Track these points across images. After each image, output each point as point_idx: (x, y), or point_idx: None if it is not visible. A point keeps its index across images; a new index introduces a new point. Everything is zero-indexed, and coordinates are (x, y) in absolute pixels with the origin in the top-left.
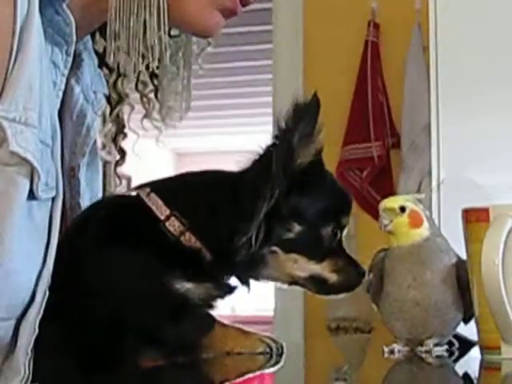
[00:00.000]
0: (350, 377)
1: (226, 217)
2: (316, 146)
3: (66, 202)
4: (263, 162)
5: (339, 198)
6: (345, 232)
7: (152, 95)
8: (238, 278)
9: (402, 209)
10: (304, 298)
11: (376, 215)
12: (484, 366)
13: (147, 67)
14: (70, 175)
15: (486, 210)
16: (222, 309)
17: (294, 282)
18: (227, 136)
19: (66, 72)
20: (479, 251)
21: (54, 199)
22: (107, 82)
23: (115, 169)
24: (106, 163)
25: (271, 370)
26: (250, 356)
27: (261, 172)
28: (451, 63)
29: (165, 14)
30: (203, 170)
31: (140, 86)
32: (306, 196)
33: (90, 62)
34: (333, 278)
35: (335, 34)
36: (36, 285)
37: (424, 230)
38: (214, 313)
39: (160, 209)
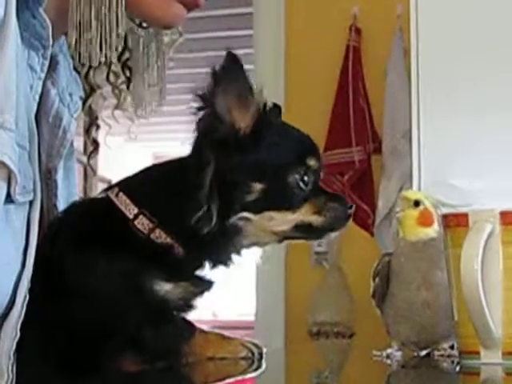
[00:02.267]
0: (331, 381)
1: (185, 204)
2: (255, 103)
3: (43, 205)
4: (194, 141)
5: (300, 143)
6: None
7: (124, 86)
8: (218, 260)
9: (417, 203)
10: (285, 302)
11: (356, 219)
12: (463, 370)
13: (119, 58)
14: (46, 177)
15: (465, 215)
16: (204, 313)
17: (282, 237)
18: None
19: (43, 75)
20: (458, 256)
21: (31, 202)
22: (79, 73)
23: (88, 160)
24: (86, 168)
25: (253, 374)
26: (231, 361)
27: (192, 147)
28: (432, 68)
29: (122, 7)
30: (168, 160)
31: (111, 77)
32: (259, 153)
33: (65, 65)
34: (317, 220)
35: (316, 39)
36: (16, 288)
37: (432, 231)
38: (194, 312)
39: (128, 208)
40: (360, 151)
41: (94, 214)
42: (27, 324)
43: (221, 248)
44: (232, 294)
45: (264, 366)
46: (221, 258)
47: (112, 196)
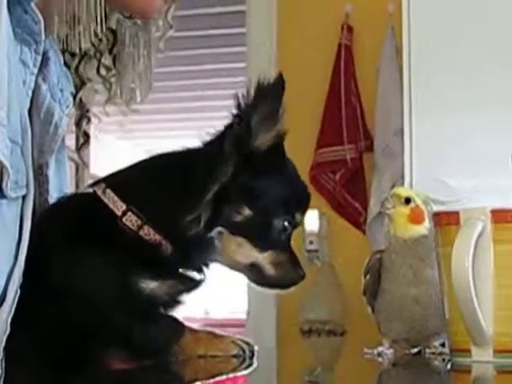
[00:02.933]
0: (323, 379)
1: (179, 201)
2: (277, 129)
3: (34, 200)
4: (218, 140)
5: (298, 193)
6: (294, 230)
7: (114, 79)
8: (194, 265)
9: (407, 200)
10: (277, 300)
11: (348, 217)
12: (454, 368)
13: (110, 51)
14: (38, 173)
15: (456, 213)
16: (196, 311)
17: (236, 268)
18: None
19: (36, 70)
20: (450, 254)
21: (24, 197)
22: (69, 67)
23: (79, 152)
24: (78, 165)
25: (244, 372)
26: (223, 358)
27: (214, 151)
28: (424, 66)
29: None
30: (158, 155)
31: (102, 71)
32: (262, 181)
33: (56, 61)
34: (271, 270)
35: (309, 37)
36: (7, 283)
37: (422, 229)
38: (185, 310)
39: (116, 205)
40: (352, 149)
41: (81, 210)
42: (16, 321)
43: (196, 254)
44: (224, 292)
45: (255, 363)
46: (194, 263)
47: (99, 192)
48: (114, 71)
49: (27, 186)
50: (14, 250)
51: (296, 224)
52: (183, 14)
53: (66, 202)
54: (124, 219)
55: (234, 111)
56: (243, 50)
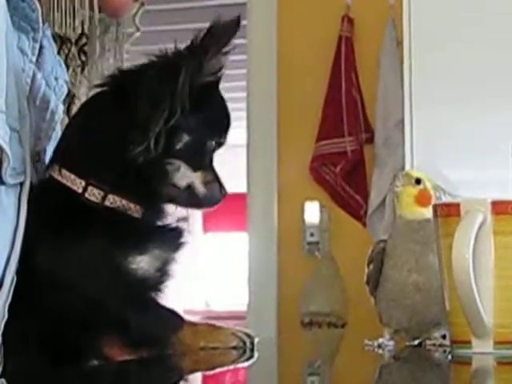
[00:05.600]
0: (323, 371)
1: (130, 134)
2: (219, 65)
3: (32, 187)
4: (167, 69)
5: (225, 117)
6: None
7: (78, 70)
8: (165, 214)
9: (418, 181)
10: (278, 292)
11: (349, 209)
12: (455, 360)
13: (76, 42)
14: (35, 160)
15: (457, 205)
16: (196, 304)
17: (172, 197)
18: None
19: (34, 58)
20: (450, 245)
21: (21, 184)
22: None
23: None
24: None
25: (245, 364)
26: (223, 350)
27: (163, 80)
28: (425, 58)
29: None
30: (89, 104)
31: (68, 61)
32: (199, 110)
33: (49, 49)
34: (202, 189)
35: (309, 29)
36: (4, 270)
37: (427, 213)
38: (186, 302)
39: (75, 183)
40: (353, 141)
41: (44, 199)
42: (10, 310)
43: (155, 186)
44: (225, 285)
45: (256, 355)
46: (159, 196)
47: (55, 175)
48: (78, 62)
49: (25, 172)
50: (12, 236)
51: (220, 145)
52: (184, 6)
53: (31, 192)
54: (86, 195)
55: (189, 46)
56: (244, 42)
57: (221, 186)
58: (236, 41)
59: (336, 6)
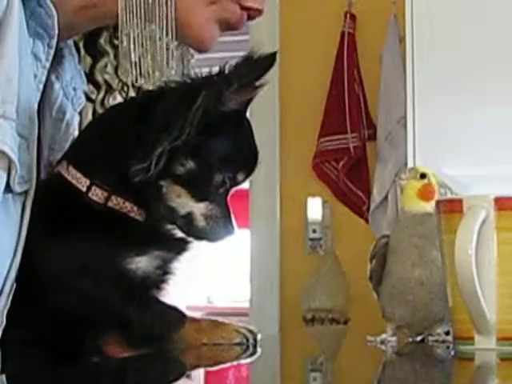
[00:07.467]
0: (326, 368)
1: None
2: (249, 97)
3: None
4: (187, 94)
5: (245, 153)
6: (233, 188)
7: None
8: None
9: (423, 176)
10: (280, 288)
11: (351, 206)
12: (457, 356)
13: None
14: (49, 170)
15: (459, 201)
16: (198, 300)
17: (172, 220)
18: None
19: (48, 64)
20: (452, 242)
21: (26, 192)
22: (91, 100)
23: None
24: None
25: (247, 360)
26: (226, 347)
27: (179, 104)
28: (427, 54)
29: (173, 25)
30: (115, 107)
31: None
32: (214, 138)
33: (70, 59)
34: (201, 222)
35: (311, 25)
36: (5, 278)
37: (429, 207)
38: (189, 298)
39: (79, 181)
40: (355, 138)
41: (50, 196)
42: (9, 313)
43: (151, 204)
44: (227, 281)
45: (259, 352)
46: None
47: (63, 171)
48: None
49: (31, 180)
50: (15, 243)
51: (236, 182)
52: None
53: (38, 189)
54: (90, 194)
55: (217, 71)
56: (246, 38)
57: (228, 223)
58: (239, 37)
59: (338, 2)
